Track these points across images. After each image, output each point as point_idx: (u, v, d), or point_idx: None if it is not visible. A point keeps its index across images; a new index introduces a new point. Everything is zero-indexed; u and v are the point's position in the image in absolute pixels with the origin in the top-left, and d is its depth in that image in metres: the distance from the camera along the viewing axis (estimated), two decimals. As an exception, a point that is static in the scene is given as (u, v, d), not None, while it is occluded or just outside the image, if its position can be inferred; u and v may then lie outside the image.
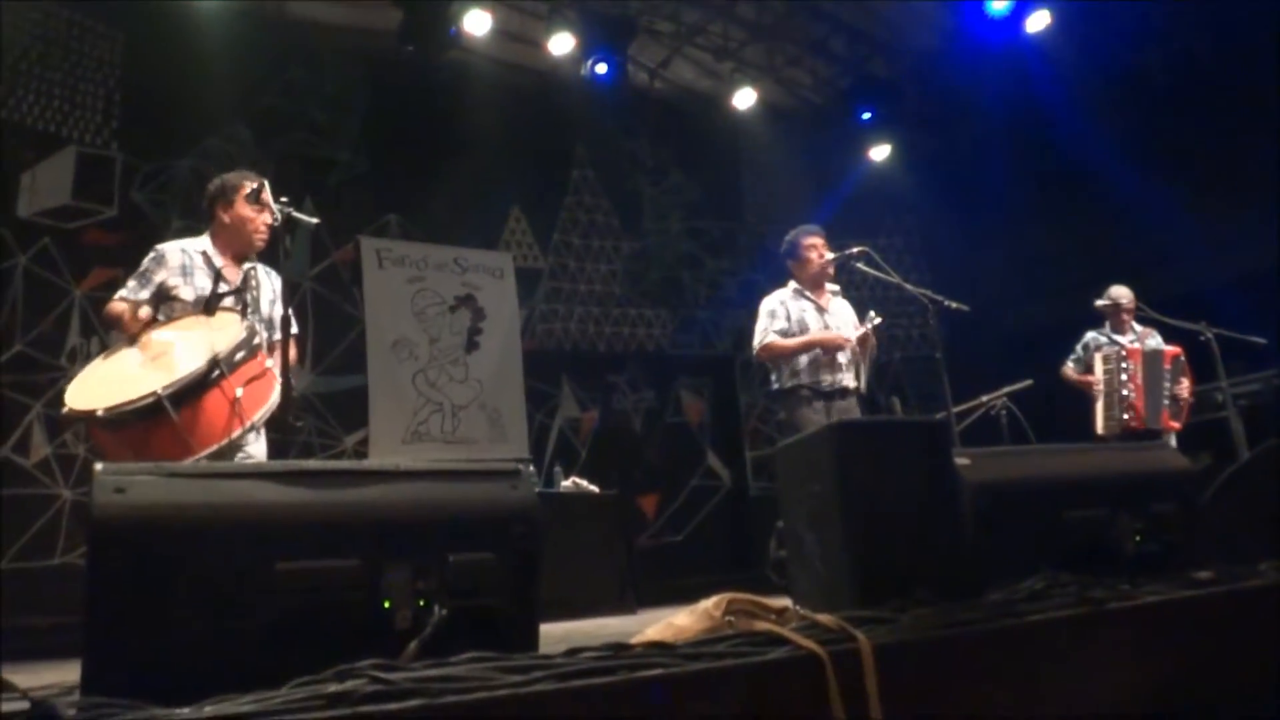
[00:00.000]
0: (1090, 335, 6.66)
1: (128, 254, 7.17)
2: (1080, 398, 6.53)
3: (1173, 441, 6.28)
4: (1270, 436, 3.67)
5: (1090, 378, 6.43)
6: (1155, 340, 6.48)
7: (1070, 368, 6.64)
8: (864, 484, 2.39)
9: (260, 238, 3.85)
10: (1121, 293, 6.59)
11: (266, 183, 3.64)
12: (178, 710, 1.43)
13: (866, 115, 9.90)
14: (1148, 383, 6.26)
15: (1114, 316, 6.58)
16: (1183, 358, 6.39)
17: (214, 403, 3.18)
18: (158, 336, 3.47)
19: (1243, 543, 2.89)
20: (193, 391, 3.12)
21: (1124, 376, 6.28)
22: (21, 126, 7.03)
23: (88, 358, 6.86)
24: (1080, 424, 6.46)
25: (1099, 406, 6.38)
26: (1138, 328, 6.60)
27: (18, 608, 5.71)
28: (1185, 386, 6.39)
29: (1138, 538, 2.70)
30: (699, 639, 1.86)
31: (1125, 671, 2.10)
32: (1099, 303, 6.63)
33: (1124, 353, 6.33)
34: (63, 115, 7.25)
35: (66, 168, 7.21)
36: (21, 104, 7.07)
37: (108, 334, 3.82)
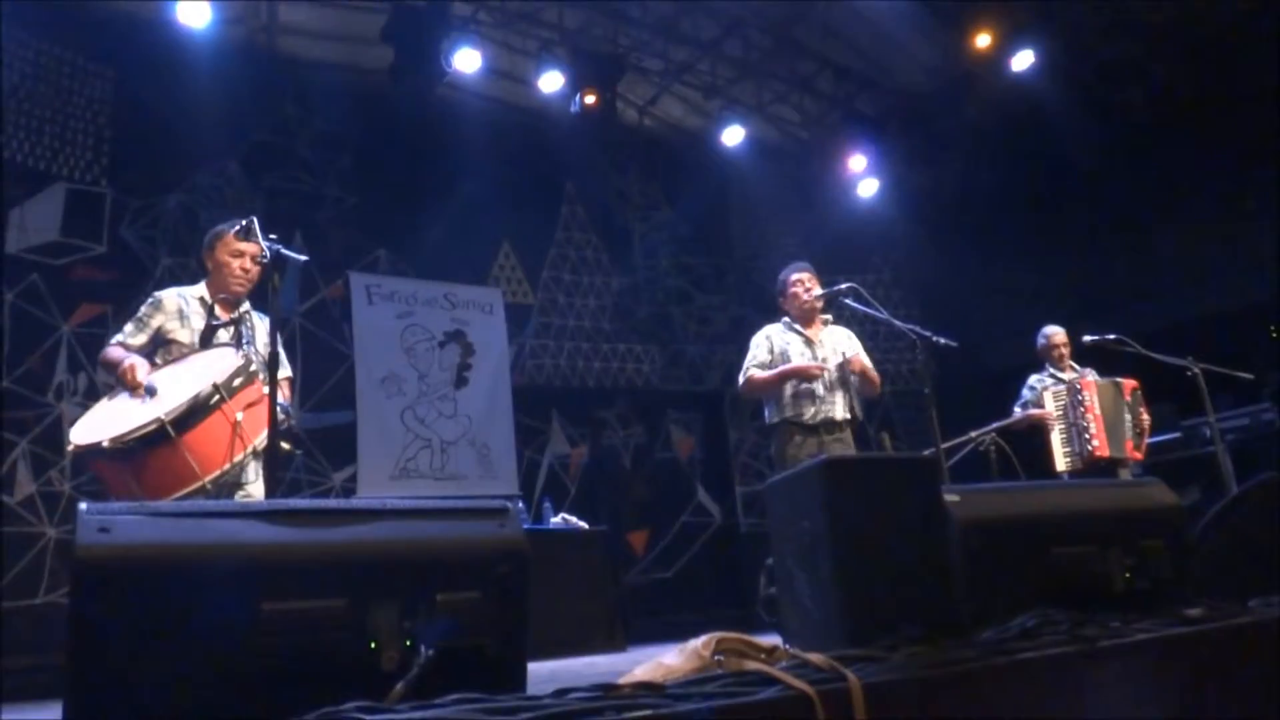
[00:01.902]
0: (1034, 377, 6.74)
1: (116, 290, 7.23)
2: (1036, 437, 6.55)
3: (1127, 474, 6.35)
4: (1258, 471, 3.68)
5: (1043, 412, 6.46)
6: (1093, 376, 6.54)
7: (1018, 412, 6.68)
8: (853, 521, 2.38)
9: (237, 282, 4.00)
10: (1055, 332, 6.74)
11: (255, 220, 3.64)
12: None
13: (859, 164, 10.00)
14: (1106, 413, 6.30)
15: (1050, 355, 6.69)
16: (1139, 390, 6.46)
17: (216, 426, 3.29)
18: (155, 376, 3.55)
19: (1233, 578, 2.89)
20: (195, 415, 3.23)
21: (1081, 409, 6.32)
22: (11, 163, 7.04)
23: (74, 394, 6.84)
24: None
25: (1056, 442, 6.41)
26: (1076, 366, 6.67)
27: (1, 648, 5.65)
28: (1145, 419, 6.48)
29: (1128, 574, 2.70)
30: (688, 679, 1.84)
31: (1117, 709, 2.09)
32: (1038, 345, 6.77)
33: (1079, 385, 6.38)
34: (53, 152, 7.26)
35: (56, 204, 7.22)
36: (11, 141, 7.08)
37: (108, 375, 3.87)
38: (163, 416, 3.14)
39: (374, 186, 8.63)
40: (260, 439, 3.38)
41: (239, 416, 3.33)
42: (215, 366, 3.47)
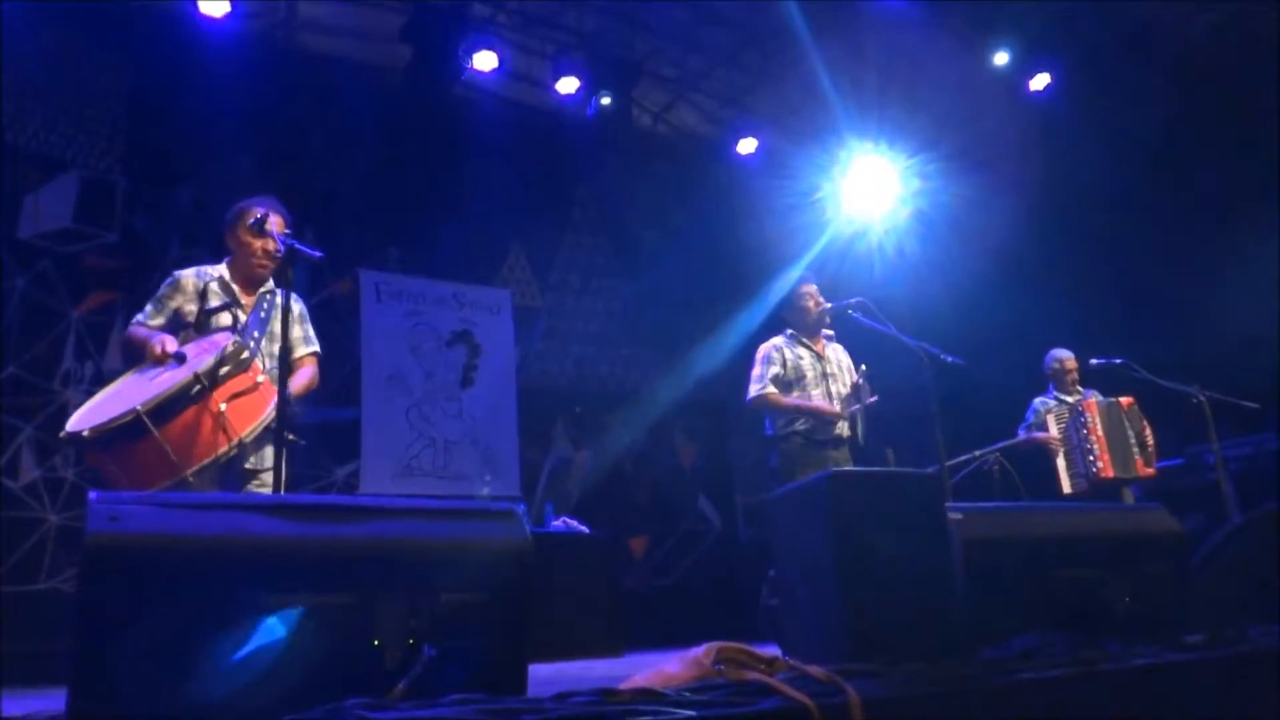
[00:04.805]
0: (1039, 399, 6.77)
1: (126, 279, 7.25)
2: (1041, 460, 6.56)
3: (1129, 494, 6.35)
4: (1262, 500, 3.67)
5: (1047, 435, 6.47)
6: (1096, 397, 6.54)
7: (1022, 433, 6.68)
8: (857, 535, 2.39)
9: (259, 264, 3.86)
10: (1064, 354, 6.77)
11: (272, 213, 3.62)
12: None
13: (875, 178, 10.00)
14: (1109, 433, 6.30)
15: (1058, 377, 6.71)
16: (1136, 405, 6.45)
17: (196, 418, 3.16)
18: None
19: (1234, 607, 2.89)
20: (173, 406, 3.10)
21: (1084, 431, 6.33)
22: (26, 149, 7.07)
23: (81, 382, 6.86)
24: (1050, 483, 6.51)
25: (1061, 465, 6.42)
26: (1081, 389, 6.68)
27: (1, 633, 5.66)
28: (1148, 432, 6.50)
29: (1128, 599, 2.71)
30: (689, 687, 1.85)
31: (1114, 733, 2.09)
32: (1046, 367, 6.80)
33: (1081, 407, 6.39)
34: (67, 139, 7.29)
35: (69, 191, 7.24)
36: (27, 127, 7.11)
37: (133, 355, 3.75)
38: (138, 408, 3.03)
39: (387, 184, 8.63)
40: (249, 431, 3.28)
41: (223, 407, 3.21)
42: (202, 354, 3.34)
